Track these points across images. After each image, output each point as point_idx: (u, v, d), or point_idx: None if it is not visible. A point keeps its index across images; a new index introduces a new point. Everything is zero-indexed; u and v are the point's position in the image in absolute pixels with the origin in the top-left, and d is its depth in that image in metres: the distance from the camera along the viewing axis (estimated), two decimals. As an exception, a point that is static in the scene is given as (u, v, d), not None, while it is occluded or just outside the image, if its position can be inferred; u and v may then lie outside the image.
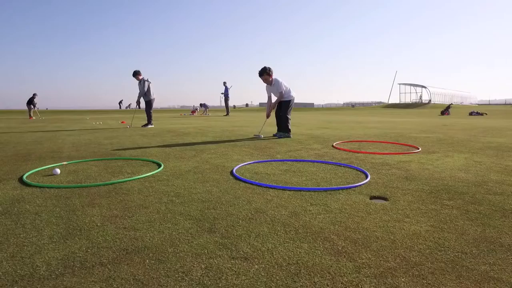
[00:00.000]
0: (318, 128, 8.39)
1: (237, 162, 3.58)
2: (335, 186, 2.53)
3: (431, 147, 4.69)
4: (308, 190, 2.44)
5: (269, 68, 6.08)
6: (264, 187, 2.54)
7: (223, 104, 22.08)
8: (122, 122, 12.77)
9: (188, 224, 1.82)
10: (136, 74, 9.47)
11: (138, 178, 2.82)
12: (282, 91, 6.00)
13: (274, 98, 6.24)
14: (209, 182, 2.70)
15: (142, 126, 9.53)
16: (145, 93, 9.37)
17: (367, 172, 2.95)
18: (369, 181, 2.69)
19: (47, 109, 53.28)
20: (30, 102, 19.49)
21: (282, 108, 6.14)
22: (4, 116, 21.98)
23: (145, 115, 9.74)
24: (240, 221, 1.86)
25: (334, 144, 4.85)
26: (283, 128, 6.09)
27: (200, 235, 1.68)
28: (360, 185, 2.55)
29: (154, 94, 9.58)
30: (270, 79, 6.09)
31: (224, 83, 21.29)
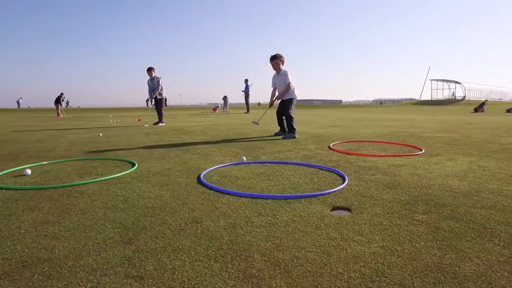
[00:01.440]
0: (327, 127, 8.03)
1: (215, 163, 3.39)
2: (299, 194, 2.28)
3: (437, 148, 4.27)
4: (267, 197, 2.21)
5: (282, 55, 5.81)
6: (222, 193, 2.34)
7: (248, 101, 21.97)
8: (139, 120, 12.95)
9: (112, 233, 1.66)
10: (150, 70, 9.31)
11: (100, 180, 2.70)
12: (290, 83, 5.66)
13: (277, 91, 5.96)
14: (169, 186, 2.53)
15: (153, 124, 9.55)
16: (158, 90, 9.29)
17: (346, 178, 2.67)
18: (343, 188, 2.41)
19: (78, 107, 55.57)
20: (58, 101, 20.31)
21: (285, 106, 5.85)
22: (36, 114, 23.04)
23: (160, 112, 9.61)
24: (168, 231, 1.67)
25: (331, 145, 4.54)
26: (289, 127, 5.79)
27: (115, 247, 1.51)
28: (328, 193, 2.28)
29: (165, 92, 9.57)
30: (281, 66, 5.79)
31: (246, 80, 21.18)
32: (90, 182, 2.65)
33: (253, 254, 1.42)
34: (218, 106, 27.17)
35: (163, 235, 1.63)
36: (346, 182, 2.54)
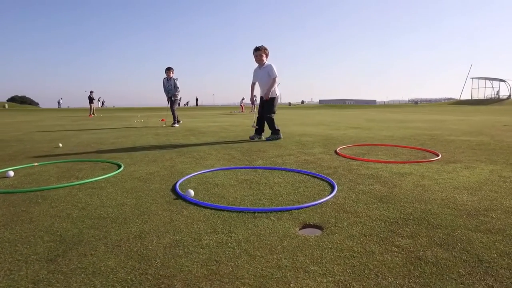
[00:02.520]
0: (346, 128, 7.60)
1: (204, 168, 3.19)
2: (269, 207, 2.01)
3: (458, 154, 3.80)
4: (234, 210, 1.96)
5: (266, 47, 5.28)
6: (189, 202, 2.12)
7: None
8: (162, 120, 13.09)
9: (42, 248, 1.49)
10: (169, 70, 9.11)
11: (73, 185, 2.58)
12: (276, 77, 5.09)
13: (257, 88, 5.38)
14: (139, 193, 2.35)
15: (171, 125, 9.37)
16: (174, 92, 9.14)
17: (335, 189, 2.36)
18: (326, 200, 2.12)
19: (113, 106, 57.80)
20: (91, 100, 21.10)
21: (265, 107, 5.29)
22: (71, 114, 24.14)
23: (174, 113, 9.31)
24: (102, 248, 1.48)
25: (338, 149, 4.19)
26: (271, 130, 5.29)
27: (33, 265, 1.34)
28: (307, 207, 2.00)
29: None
30: (264, 59, 5.23)
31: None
32: (60, 187, 2.53)
33: (175, 284, 1.19)
34: (242, 105, 27.06)
35: (93, 252, 1.44)
36: (333, 194, 2.24)
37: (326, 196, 2.18)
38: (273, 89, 5.24)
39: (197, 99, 55.44)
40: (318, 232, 1.68)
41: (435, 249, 1.44)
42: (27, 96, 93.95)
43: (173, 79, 9.16)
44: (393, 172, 2.89)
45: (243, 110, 26.45)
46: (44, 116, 19.11)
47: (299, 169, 3.06)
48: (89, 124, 11.01)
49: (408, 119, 11.39)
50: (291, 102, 65.46)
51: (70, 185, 2.57)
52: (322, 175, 2.79)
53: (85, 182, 2.65)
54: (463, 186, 2.42)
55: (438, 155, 3.65)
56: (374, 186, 2.46)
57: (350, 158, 3.58)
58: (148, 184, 2.60)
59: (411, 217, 1.82)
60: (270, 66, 5.18)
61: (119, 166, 3.28)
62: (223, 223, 1.77)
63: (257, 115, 5.49)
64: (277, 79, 5.16)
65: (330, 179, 2.63)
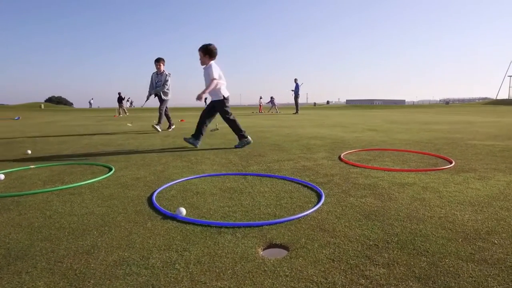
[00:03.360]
0: (363, 131, 7.25)
1: (195, 173, 3.06)
2: (239, 222, 1.83)
3: (475, 161, 3.44)
4: (200, 224, 1.81)
5: (210, 47, 4.68)
6: (158, 213, 1.98)
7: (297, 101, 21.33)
8: (181, 121, 13.19)
9: (-19, 265, 1.40)
10: (159, 61, 7.38)
11: (53, 190, 2.52)
12: (214, 79, 4.56)
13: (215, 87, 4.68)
14: (113, 201, 2.24)
15: (155, 126, 7.50)
16: (162, 89, 7.57)
17: (321, 201, 2.15)
18: (305, 215, 1.91)
19: (142, 106, 59.38)
20: (120, 100, 21.79)
21: (217, 110, 4.82)
22: (99, 114, 24.93)
23: (162, 114, 7.74)
24: (43, 264, 1.36)
25: (343, 154, 3.92)
26: (237, 134, 4.78)
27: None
28: (280, 222, 1.81)
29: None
30: (207, 59, 4.69)
31: (295, 80, 20.67)
32: (36, 193, 2.47)
33: (90, 318, 1.05)
34: (260, 104, 26.81)
35: (30, 270, 1.33)
36: (316, 207, 2.03)
37: (307, 210, 1.98)
38: (216, 90, 4.73)
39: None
40: (282, 253, 1.49)
41: (411, 284, 1.21)
42: (62, 96, 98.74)
43: (165, 74, 7.51)
44: (393, 182, 2.63)
45: (261, 110, 26.21)
46: (72, 116, 19.81)
47: (291, 176, 2.85)
48: (109, 125, 11.23)
49: (433, 121, 10.78)
50: (316, 102, 64.52)
51: (48, 191, 2.51)
52: (314, 184, 2.57)
53: (66, 188, 2.58)
54: (469, 201, 2.13)
55: (451, 163, 3.32)
56: (366, 198, 2.22)
57: (352, 165, 3.32)
58: (128, 190, 2.50)
59: (396, 239, 1.58)
60: (210, 67, 4.71)
61: (110, 170, 3.22)
62: (182, 239, 1.62)
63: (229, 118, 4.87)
64: (215, 81, 4.63)
65: (320, 189, 2.41)
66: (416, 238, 1.58)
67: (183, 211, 1.94)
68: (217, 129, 5.48)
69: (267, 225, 1.78)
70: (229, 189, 2.51)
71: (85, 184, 2.69)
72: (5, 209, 2.11)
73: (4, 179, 2.92)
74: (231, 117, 4.76)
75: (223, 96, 4.74)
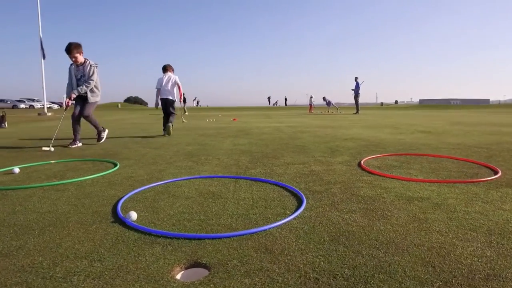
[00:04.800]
0: (414, 132, 6.45)
1: (190, 174, 2.92)
2: (178, 233, 1.61)
3: (532, 174, 2.73)
4: (141, 230, 1.64)
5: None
6: (115, 217, 1.86)
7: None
8: (234, 120, 13.32)
9: None
10: (73, 49, 4.83)
11: (43, 186, 2.57)
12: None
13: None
14: (86, 200, 2.19)
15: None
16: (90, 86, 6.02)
17: (295, 215, 1.83)
18: (259, 231, 1.62)
19: (207, 106, 61.91)
20: (184, 100, 23.06)
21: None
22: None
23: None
24: None
25: (363, 161, 3.44)
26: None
27: None
28: (224, 237, 1.55)
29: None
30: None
31: (356, 78, 19.66)
32: (30, 187, 2.54)
33: None
34: (311, 105, 25.88)
35: None
36: (281, 222, 1.72)
37: (268, 224, 1.69)
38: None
39: (286, 99, 55.72)
40: (200, 275, 1.25)
41: None
42: (139, 97, 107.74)
43: (89, 64, 5.27)
44: (401, 195, 2.17)
45: (312, 110, 25.22)
46: (138, 115, 21.30)
47: (285, 183, 2.54)
48: (153, 125, 11.75)
49: (509, 123, 9.25)
50: (386, 102, 60.79)
51: (35, 186, 2.56)
52: (301, 193, 2.23)
53: (50, 185, 2.63)
54: (488, 228, 1.63)
55: (497, 173, 2.69)
56: (352, 215, 1.84)
57: (369, 172, 2.88)
58: (111, 189, 2.44)
59: (348, 273, 1.23)
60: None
61: (115, 165, 3.26)
62: (109, 247, 1.47)
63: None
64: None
65: (305, 199, 2.08)
66: (376, 276, 1.21)
67: (133, 215, 1.80)
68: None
69: (208, 238, 1.54)
70: (209, 193, 2.31)
71: (78, 180, 2.72)
72: (-13, 202, 2.18)
73: (18, 172, 3.09)
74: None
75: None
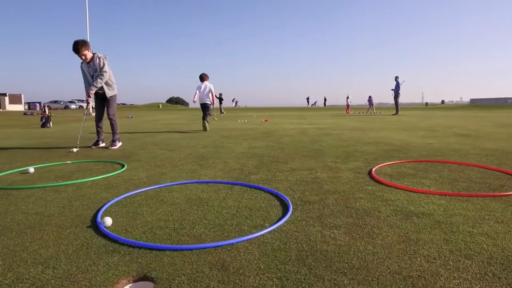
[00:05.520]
0: (449, 136, 5.93)
1: (190, 178, 2.88)
2: (137, 241, 1.54)
3: None
4: (108, 237, 1.60)
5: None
6: (92, 220, 1.85)
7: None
8: (265, 121, 13.26)
9: None
10: (81, 47, 4.68)
11: (44, 187, 2.66)
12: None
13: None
14: (76, 202, 2.22)
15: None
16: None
17: (271, 228, 1.70)
18: (222, 245, 1.52)
19: (246, 106, 62.44)
20: (220, 101, 23.48)
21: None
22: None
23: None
24: None
25: (381, 165, 3.19)
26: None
27: None
28: (185, 249, 1.46)
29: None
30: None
31: (396, 77, 18.79)
32: (29, 188, 2.63)
33: None
34: (348, 105, 24.96)
35: None
36: (247, 238, 1.60)
37: (238, 238, 1.58)
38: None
39: (325, 99, 54.75)
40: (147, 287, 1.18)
41: None
42: (180, 97, 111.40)
43: (97, 57, 5.07)
44: (401, 209, 1.95)
45: (349, 111, 24.31)
46: (176, 115, 21.94)
47: (279, 192, 2.40)
48: (192, 123, 11.98)
49: None
50: (431, 102, 57.46)
51: (35, 187, 2.65)
52: (290, 203, 2.09)
53: (47, 186, 2.70)
54: (489, 256, 1.39)
55: (525, 187, 2.34)
56: (335, 231, 1.67)
57: (376, 180, 2.65)
58: (105, 192, 2.46)
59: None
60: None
61: (123, 167, 3.33)
62: (71, 253, 1.45)
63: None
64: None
65: (291, 211, 1.94)
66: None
67: (108, 221, 1.77)
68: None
69: (169, 250, 1.47)
70: (197, 200, 2.24)
71: (79, 182, 2.78)
72: (-10, 201, 2.28)
73: (33, 172, 3.24)
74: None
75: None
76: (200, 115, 8.21)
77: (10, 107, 43.75)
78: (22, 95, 47.19)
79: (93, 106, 5.10)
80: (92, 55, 4.71)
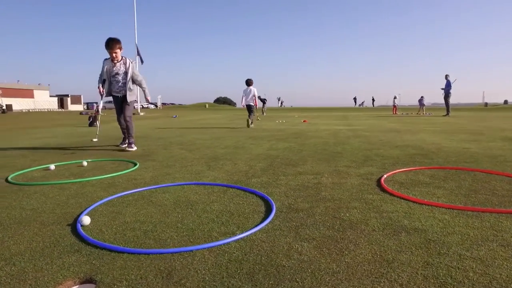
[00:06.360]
0: (493, 140, 5.33)
1: (192, 180, 2.87)
2: (101, 242, 1.54)
3: None
4: (82, 237, 1.62)
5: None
6: (74, 222, 1.90)
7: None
8: (304, 121, 13.06)
9: None
10: (115, 44, 4.68)
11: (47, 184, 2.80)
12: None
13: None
14: (70, 200, 2.31)
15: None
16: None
17: (243, 235, 1.61)
18: (183, 251, 1.46)
19: (291, 106, 62.00)
20: (263, 102, 23.76)
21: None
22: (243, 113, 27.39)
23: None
24: None
25: (397, 171, 2.93)
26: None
27: None
28: (141, 253, 1.43)
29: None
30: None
31: (446, 76, 17.51)
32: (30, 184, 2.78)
33: None
34: (395, 105, 23.63)
35: None
36: (207, 245, 1.53)
37: (200, 245, 1.52)
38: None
39: (373, 99, 52.81)
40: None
41: None
42: (228, 97, 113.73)
43: (124, 61, 4.90)
44: (393, 223, 1.75)
45: (396, 112, 23.01)
46: (221, 115, 22.40)
47: (269, 197, 2.30)
48: (232, 123, 12.12)
49: None
50: (493, 102, 52.65)
51: (41, 184, 2.80)
52: (274, 210, 1.98)
53: (49, 184, 2.84)
54: (471, 286, 1.19)
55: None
56: (307, 244, 1.54)
57: (382, 188, 2.43)
58: (101, 191, 2.53)
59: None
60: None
61: (135, 165, 3.45)
62: (39, 250, 1.50)
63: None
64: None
65: (269, 219, 1.84)
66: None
67: (85, 220, 1.81)
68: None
69: (128, 253, 1.45)
70: (185, 202, 2.22)
71: (85, 180, 2.89)
72: (1, 192, 2.46)
73: (53, 169, 3.44)
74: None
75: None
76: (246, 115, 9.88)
77: (71, 107, 47.95)
78: (82, 96, 51.34)
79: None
80: (121, 56, 4.70)
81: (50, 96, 46.52)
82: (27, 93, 44.57)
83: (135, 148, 4.83)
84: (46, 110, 38.42)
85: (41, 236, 1.67)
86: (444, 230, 1.66)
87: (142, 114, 22.50)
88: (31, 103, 42.84)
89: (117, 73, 4.68)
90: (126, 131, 4.91)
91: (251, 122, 9.45)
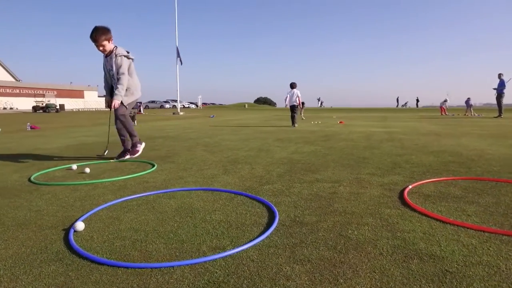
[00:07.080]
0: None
1: (202, 185, 2.79)
2: (82, 251, 1.48)
3: None
4: (70, 245, 1.58)
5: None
6: (69, 225, 1.88)
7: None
8: (340, 122, 12.64)
9: None
10: (101, 36, 3.86)
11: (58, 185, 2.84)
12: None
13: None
14: (77, 202, 2.31)
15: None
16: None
17: (241, 247, 1.48)
18: (162, 267, 1.35)
19: (331, 107, 60.56)
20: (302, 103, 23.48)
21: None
22: (284, 113, 27.19)
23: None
24: None
25: (426, 181, 2.63)
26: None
27: None
28: (119, 266, 1.34)
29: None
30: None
31: (500, 75, 16.14)
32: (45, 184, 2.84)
33: None
34: (442, 106, 21.98)
35: None
36: (185, 263, 1.41)
37: (180, 261, 1.40)
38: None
39: (417, 100, 50.29)
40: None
41: None
42: (268, 97, 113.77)
43: (115, 54, 3.94)
44: (406, 245, 1.52)
45: (446, 112, 21.49)
46: (259, 115, 22.35)
47: (275, 207, 2.13)
48: (266, 123, 12.00)
49: None
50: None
51: (57, 185, 2.84)
52: (276, 223, 1.82)
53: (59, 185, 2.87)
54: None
55: None
56: (297, 267, 1.36)
57: (405, 202, 2.17)
58: (109, 195, 2.51)
59: None
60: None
61: (153, 166, 3.48)
62: (24, 257, 1.48)
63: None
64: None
65: (267, 233, 1.68)
66: None
67: (79, 226, 1.78)
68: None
69: (107, 265, 1.37)
70: (187, 209, 2.13)
71: (99, 182, 2.91)
72: (19, 192, 2.53)
73: (76, 169, 3.53)
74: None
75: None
76: (289, 115, 10.78)
77: (118, 107, 50.39)
78: (128, 96, 53.82)
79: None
80: (112, 48, 3.88)
81: (99, 96, 49.42)
82: (78, 94, 47.73)
83: (141, 148, 4.28)
84: (94, 109, 40.87)
85: (33, 241, 1.66)
86: (467, 259, 1.41)
87: (182, 113, 23.10)
88: (81, 103, 45.82)
89: (110, 69, 3.95)
90: (128, 133, 4.18)
91: (295, 122, 10.20)
